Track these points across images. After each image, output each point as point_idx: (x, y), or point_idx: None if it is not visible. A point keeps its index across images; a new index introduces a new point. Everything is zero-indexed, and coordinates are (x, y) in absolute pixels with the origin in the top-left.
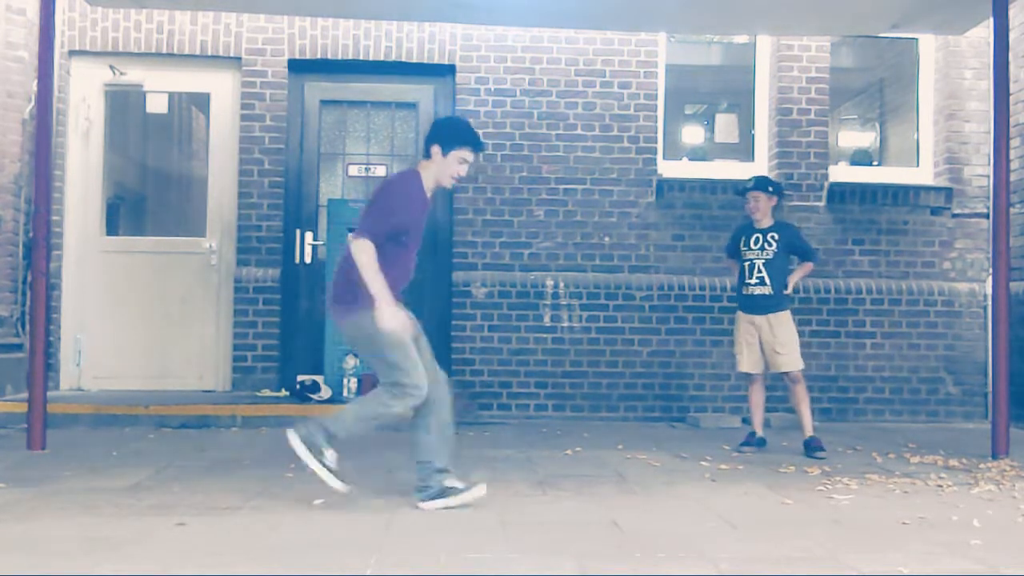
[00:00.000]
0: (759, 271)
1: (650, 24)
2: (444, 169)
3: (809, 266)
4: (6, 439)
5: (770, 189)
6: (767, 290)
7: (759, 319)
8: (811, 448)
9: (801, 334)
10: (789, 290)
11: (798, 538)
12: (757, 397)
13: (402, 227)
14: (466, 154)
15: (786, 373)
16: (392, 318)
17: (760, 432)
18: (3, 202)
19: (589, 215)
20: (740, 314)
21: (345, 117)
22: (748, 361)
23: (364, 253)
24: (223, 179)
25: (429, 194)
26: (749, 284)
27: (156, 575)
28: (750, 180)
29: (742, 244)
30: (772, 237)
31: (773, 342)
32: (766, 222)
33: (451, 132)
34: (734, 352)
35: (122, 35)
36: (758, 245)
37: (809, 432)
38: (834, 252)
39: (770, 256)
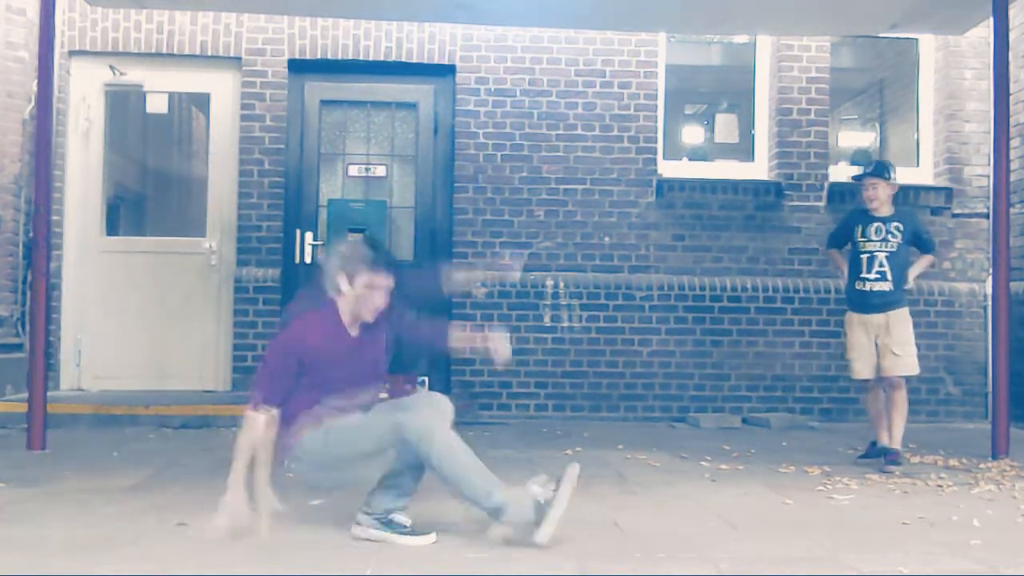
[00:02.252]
0: (880, 264)
1: (650, 24)
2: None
3: (930, 258)
4: (6, 439)
5: (888, 176)
6: (887, 286)
7: (877, 318)
8: (887, 458)
9: (800, 334)
10: (910, 284)
11: (798, 538)
12: (878, 405)
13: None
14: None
15: (892, 378)
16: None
17: (885, 441)
18: (3, 202)
19: (589, 215)
20: (853, 315)
21: (345, 117)
22: (867, 367)
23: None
24: (223, 179)
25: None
26: (867, 279)
27: (156, 575)
28: (869, 165)
29: (859, 234)
30: (896, 227)
31: (890, 343)
32: (886, 210)
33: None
34: (847, 358)
35: (122, 35)
36: (880, 236)
37: (894, 444)
38: None
39: (894, 248)
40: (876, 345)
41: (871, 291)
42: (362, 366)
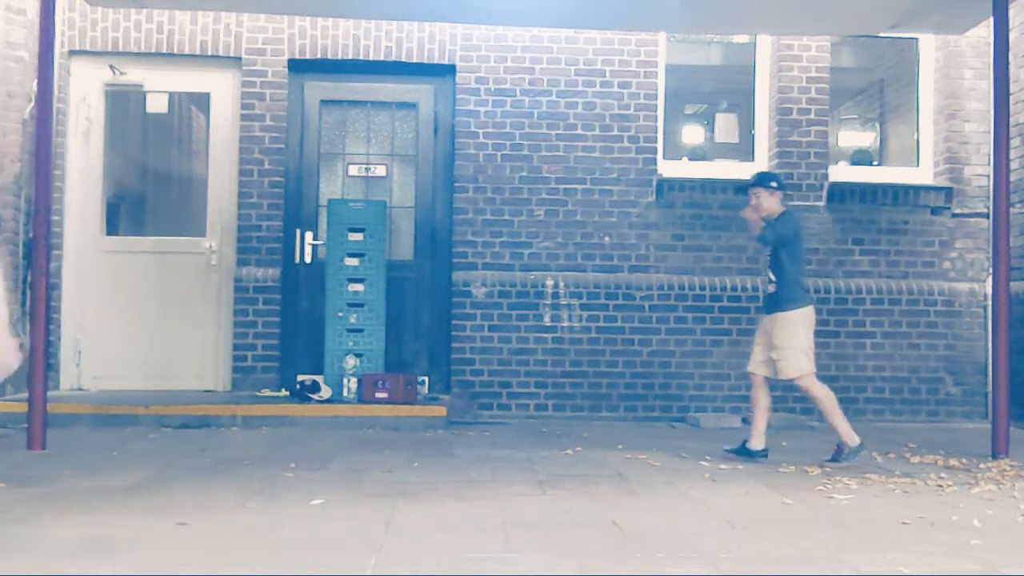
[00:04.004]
0: (768, 268)
1: (650, 24)
2: None
3: (756, 221)
4: (6, 439)
5: (773, 184)
6: (773, 288)
7: (766, 320)
8: (832, 455)
9: None
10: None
11: (798, 538)
12: (755, 397)
13: None
14: None
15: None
16: None
17: (844, 440)
18: (3, 202)
19: (589, 215)
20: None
21: (345, 117)
22: (751, 359)
23: None
24: (223, 179)
25: None
26: (768, 282)
27: (156, 575)
28: (752, 176)
29: None
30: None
31: (771, 345)
32: (765, 215)
33: None
34: None
35: (122, 35)
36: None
37: (842, 439)
38: (834, 252)
39: (770, 252)
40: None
41: (766, 292)
42: None
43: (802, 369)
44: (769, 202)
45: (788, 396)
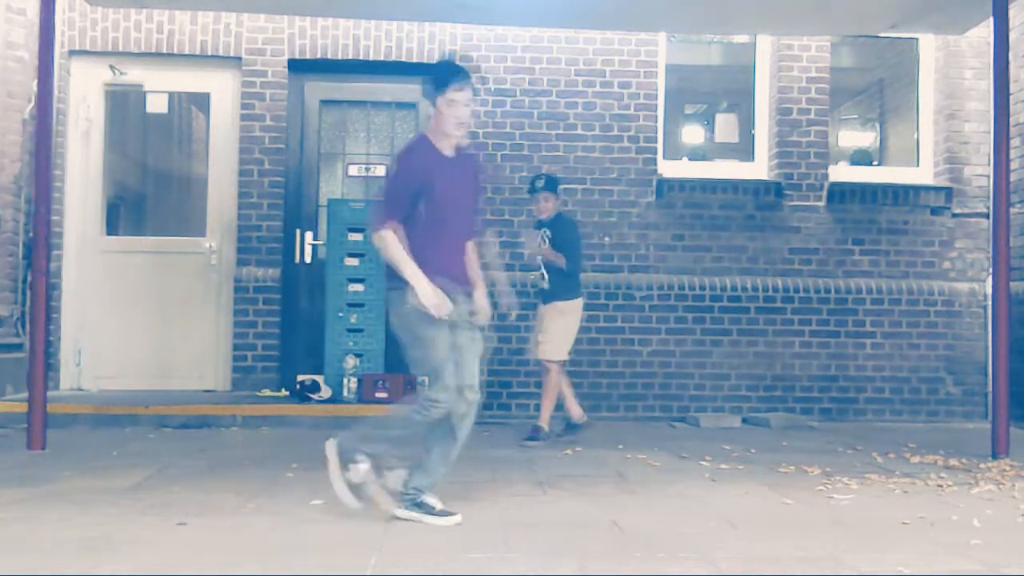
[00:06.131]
0: (541, 264)
1: (650, 24)
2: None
3: (560, 258)
4: (6, 439)
5: (555, 190)
6: (545, 284)
7: (542, 308)
8: (529, 434)
9: (800, 334)
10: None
11: (798, 538)
12: (544, 383)
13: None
14: (452, 94)
15: (542, 362)
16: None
17: (542, 423)
18: (3, 202)
19: (589, 215)
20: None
21: (345, 117)
22: (531, 346)
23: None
24: (223, 179)
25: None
26: (540, 278)
27: (156, 575)
28: (541, 179)
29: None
30: (546, 233)
31: (539, 331)
32: (546, 217)
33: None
34: None
35: (122, 35)
36: (541, 239)
37: (540, 422)
38: (834, 252)
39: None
40: None
41: (540, 287)
42: (461, 188)
43: (558, 355)
44: (556, 205)
45: (788, 396)
